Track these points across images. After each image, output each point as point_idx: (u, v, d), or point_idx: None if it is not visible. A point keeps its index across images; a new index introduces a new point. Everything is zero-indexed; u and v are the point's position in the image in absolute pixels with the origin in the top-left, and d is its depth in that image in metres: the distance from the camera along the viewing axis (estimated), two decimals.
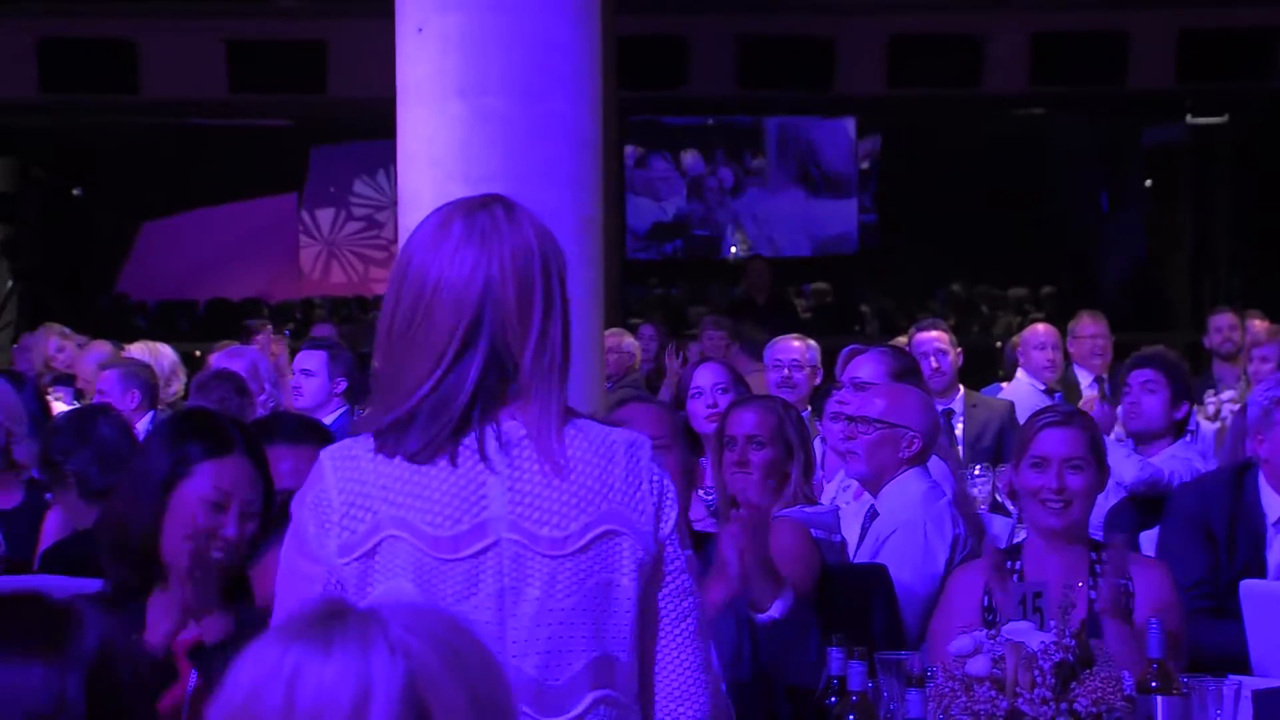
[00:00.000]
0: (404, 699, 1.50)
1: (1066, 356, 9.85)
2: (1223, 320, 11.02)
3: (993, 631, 3.74)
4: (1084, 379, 9.96)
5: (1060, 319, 10.80)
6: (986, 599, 4.51)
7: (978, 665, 3.64)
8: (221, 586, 3.50)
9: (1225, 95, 17.33)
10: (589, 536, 2.74)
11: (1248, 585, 5.14)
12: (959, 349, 8.85)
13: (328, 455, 2.80)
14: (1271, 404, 5.55)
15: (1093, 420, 4.80)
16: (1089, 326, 10.13)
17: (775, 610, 4.16)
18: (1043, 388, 9.50)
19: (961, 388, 8.73)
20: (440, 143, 7.64)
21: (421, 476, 2.74)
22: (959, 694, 3.62)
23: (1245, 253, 17.85)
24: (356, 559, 2.73)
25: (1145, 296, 18.36)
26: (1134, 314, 17.08)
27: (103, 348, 9.90)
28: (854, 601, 4.87)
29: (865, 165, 20.89)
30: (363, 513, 2.74)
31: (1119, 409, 7.47)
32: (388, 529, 2.73)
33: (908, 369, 6.76)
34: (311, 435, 4.59)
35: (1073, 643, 3.66)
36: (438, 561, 2.71)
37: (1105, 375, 10.11)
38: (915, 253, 19.73)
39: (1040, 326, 10.08)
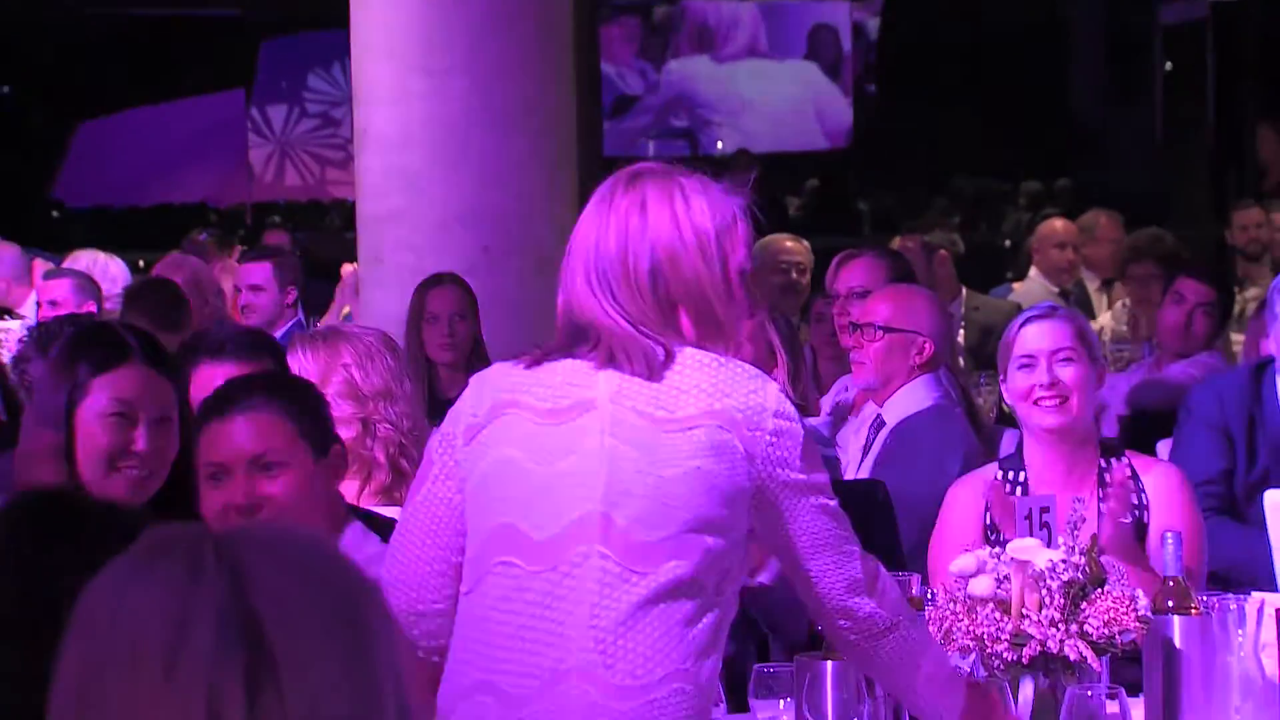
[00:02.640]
0: (228, 610, 1.55)
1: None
2: (1248, 216, 11.02)
3: (996, 549, 3.76)
4: (1092, 283, 9.95)
5: (1075, 214, 10.78)
6: (988, 515, 4.53)
7: (981, 585, 3.66)
8: (153, 505, 3.47)
9: None
10: (694, 423, 3.14)
11: (1272, 496, 5.17)
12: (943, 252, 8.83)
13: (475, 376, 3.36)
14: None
15: (1078, 312, 4.81)
16: (1110, 229, 10.09)
17: (765, 575, 4.20)
18: (1056, 289, 9.48)
19: (964, 289, 8.74)
20: (399, 31, 7.60)
21: (542, 371, 3.22)
22: (961, 616, 3.64)
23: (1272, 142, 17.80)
24: (475, 436, 3.22)
25: (1164, 189, 18.34)
26: (1152, 208, 17.08)
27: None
28: (850, 519, 4.87)
29: (860, 51, 20.80)
30: (485, 402, 3.23)
31: (1157, 316, 7.41)
32: (504, 408, 3.21)
33: (905, 272, 6.75)
34: (263, 350, 4.57)
35: (1083, 560, 3.68)
36: (541, 428, 3.18)
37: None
38: (916, 146, 19.69)
39: (1058, 222, 10.06)
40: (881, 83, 20.91)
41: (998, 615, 3.63)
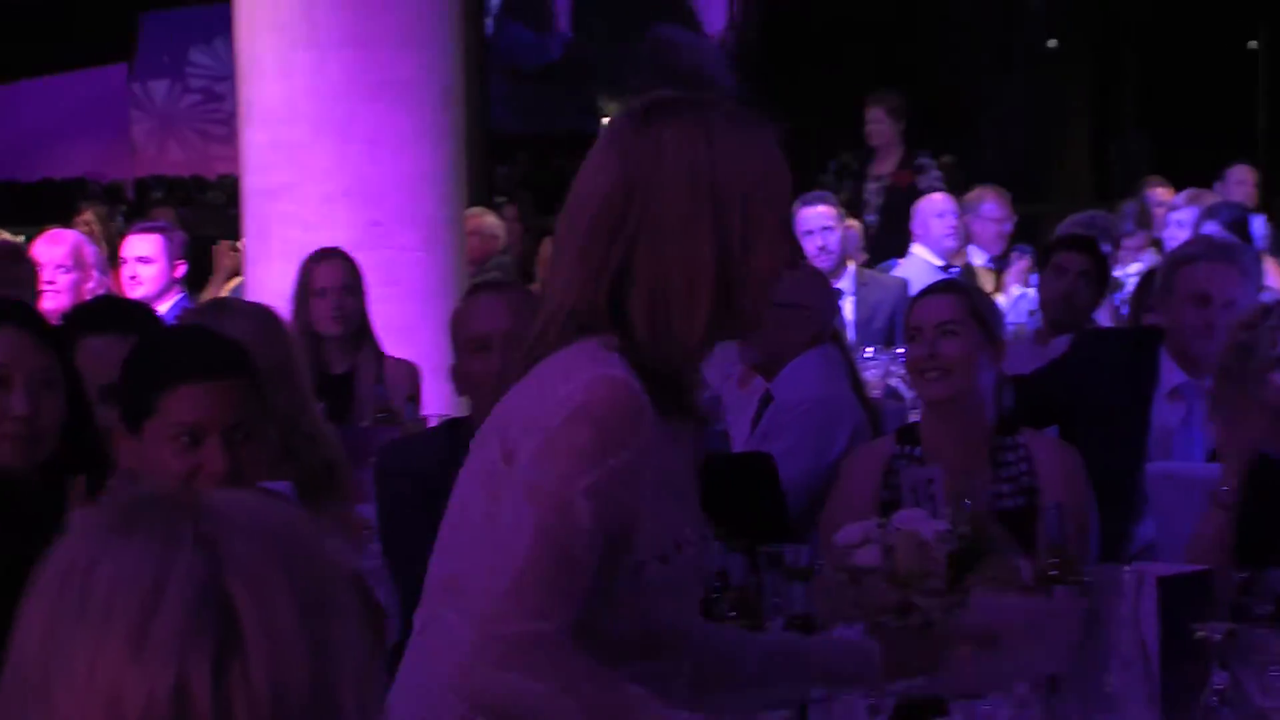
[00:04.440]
0: (202, 591, 1.54)
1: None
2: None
3: (883, 520, 3.79)
4: (978, 257, 10.03)
5: (959, 189, 10.87)
6: (886, 491, 4.59)
7: (867, 556, 3.69)
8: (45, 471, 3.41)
9: None
10: (477, 446, 2.77)
11: (1156, 469, 5.24)
12: (847, 223, 8.89)
13: None
14: (1173, 270, 5.68)
15: (976, 289, 4.91)
16: (994, 208, 10.15)
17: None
18: (942, 262, 9.54)
19: (852, 265, 8.80)
20: (282, 4, 7.56)
21: None
22: (847, 586, 3.67)
23: (1153, 118, 18.02)
24: None
25: (1046, 165, 18.51)
26: (1034, 183, 17.24)
27: None
28: (736, 491, 4.92)
29: (741, 27, 20.86)
30: None
31: (1035, 290, 7.51)
32: None
33: None
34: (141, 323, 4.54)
35: (967, 530, 3.72)
36: None
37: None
38: (803, 122, 19.75)
39: (937, 195, 10.13)
40: (762, 58, 20.96)
41: (884, 586, 3.67)
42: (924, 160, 11.40)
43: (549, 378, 2.64)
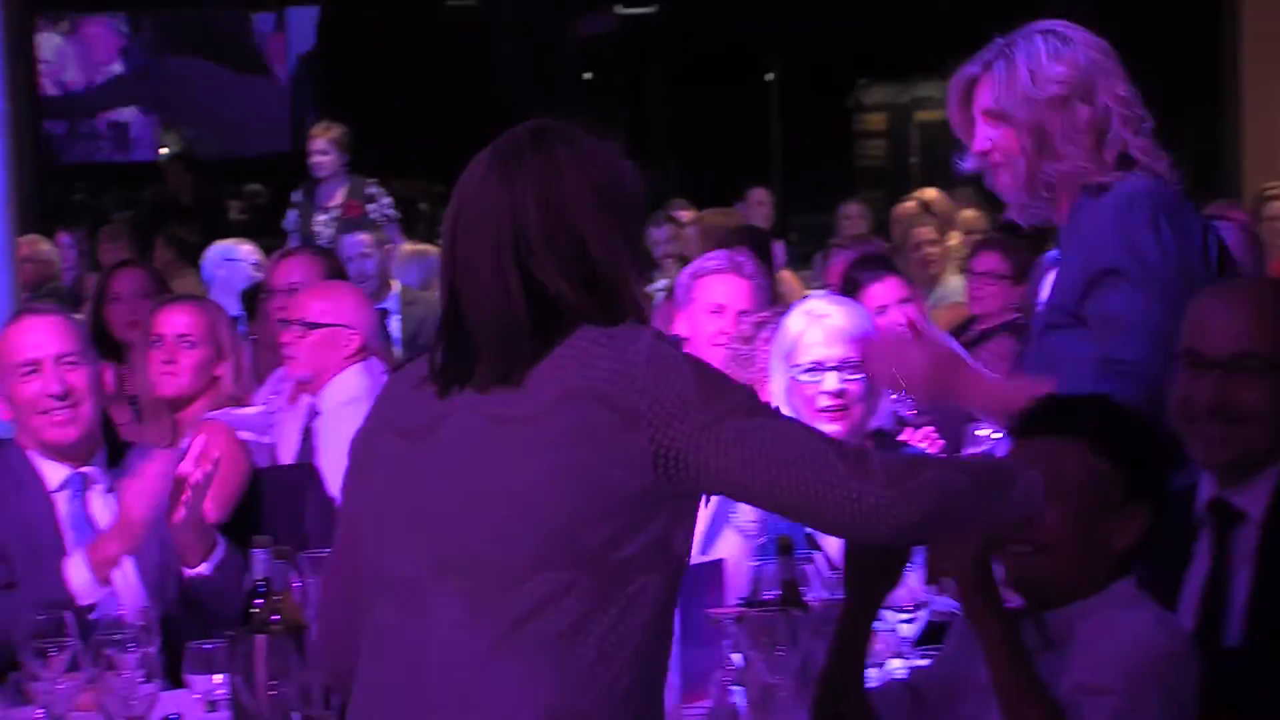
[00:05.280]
0: None
1: None
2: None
3: None
4: None
5: None
6: None
7: None
8: None
9: None
10: (545, 412, 2.74)
11: None
12: (388, 247, 9.05)
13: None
14: (691, 282, 5.94)
15: None
16: None
17: (205, 568, 4.34)
18: None
19: (396, 284, 8.94)
20: None
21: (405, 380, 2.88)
22: None
23: (681, 145, 18.50)
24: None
25: None
26: None
27: None
28: (286, 502, 4.99)
29: (299, 53, 20.78)
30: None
31: None
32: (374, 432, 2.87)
33: (338, 270, 6.88)
34: None
35: None
36: (402, 450, 2.82)
37: None
38: (354, 147, 19.69)
39: None
40: (319, 85, 20.90)
41: None
42: (373, 189, 11.18)
43: (606, 349, 2.68)
